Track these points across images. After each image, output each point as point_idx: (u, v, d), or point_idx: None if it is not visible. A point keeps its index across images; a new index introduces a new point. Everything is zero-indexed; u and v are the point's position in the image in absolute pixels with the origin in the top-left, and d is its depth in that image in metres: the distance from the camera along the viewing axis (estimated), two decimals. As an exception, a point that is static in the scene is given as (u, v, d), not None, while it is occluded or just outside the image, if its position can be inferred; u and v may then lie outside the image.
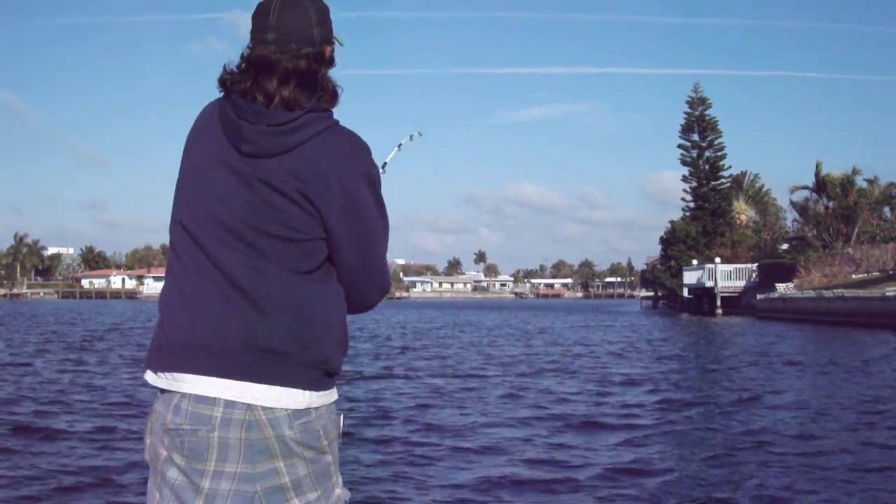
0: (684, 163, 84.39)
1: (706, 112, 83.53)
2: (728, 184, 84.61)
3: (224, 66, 2.71)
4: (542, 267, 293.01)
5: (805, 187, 71.48)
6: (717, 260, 69.22)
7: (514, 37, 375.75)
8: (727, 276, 68.36)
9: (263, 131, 2.58)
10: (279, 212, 2.58)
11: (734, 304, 66.08)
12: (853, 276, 57.32)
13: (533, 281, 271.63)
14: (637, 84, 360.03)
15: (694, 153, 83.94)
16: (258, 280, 2.58)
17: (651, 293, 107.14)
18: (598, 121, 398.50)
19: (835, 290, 53.12)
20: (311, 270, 2.66)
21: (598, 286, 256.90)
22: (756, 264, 68.47)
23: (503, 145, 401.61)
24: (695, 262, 74.10)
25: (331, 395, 2.72)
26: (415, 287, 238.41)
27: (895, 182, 74.44)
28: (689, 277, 73.24)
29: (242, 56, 2.68)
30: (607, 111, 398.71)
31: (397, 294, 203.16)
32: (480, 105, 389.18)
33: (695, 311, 70.21)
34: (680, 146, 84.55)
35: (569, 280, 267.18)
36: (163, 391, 2.63)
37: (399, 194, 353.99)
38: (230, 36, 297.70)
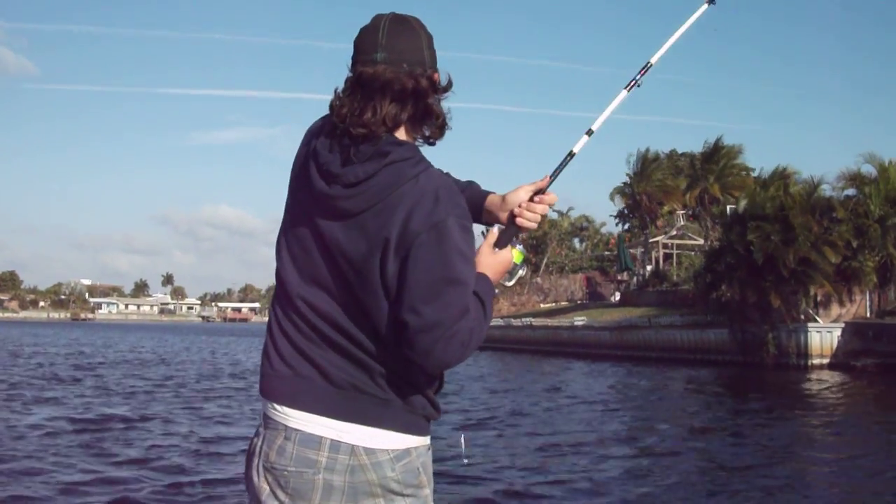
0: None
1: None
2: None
3: (335, 90, 2.56)
4: (229, 291, 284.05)
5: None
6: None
7: (209, 58, 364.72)
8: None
9: (336, 195, 2.50)
10: (349, 276, 2.52)
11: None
12: (542, 306, 56.84)
13: (220, 305, 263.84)
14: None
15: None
16: (359, 329, 2.54)
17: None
18: (292, 146, 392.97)
19: (523, 319, 52.79)
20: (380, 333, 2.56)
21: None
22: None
23: (200, 167, 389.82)
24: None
25: (427, 439, 2.69)
26: (101, 308, 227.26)
27: (586, 215, 75.40)
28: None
29: (347, 80, 2.54)
30: (300, 136, 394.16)
31: (82, 315, 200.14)
32: (174, 125, 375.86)
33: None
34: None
35: (257, 304, 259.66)
36: (266, 427, 2.62)
37: (87, 214, 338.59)
38: None
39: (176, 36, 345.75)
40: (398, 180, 2.45)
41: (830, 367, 33.72)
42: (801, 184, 39.76)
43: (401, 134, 2.54)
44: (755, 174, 53.31)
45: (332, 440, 2.49)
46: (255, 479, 2.59)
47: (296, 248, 2.61)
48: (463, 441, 2.84)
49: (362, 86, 2.47)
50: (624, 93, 3.16)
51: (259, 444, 2.62)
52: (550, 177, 2.92)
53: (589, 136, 3.05)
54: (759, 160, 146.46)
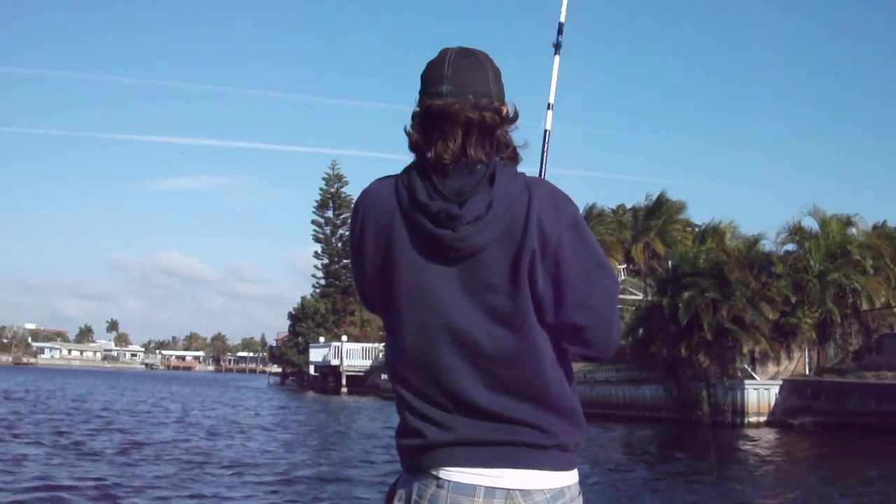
0: (317, 239, 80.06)
1: (342, 189, 79.89)
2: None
3: (404, 129, 2.49)
4: (174, 338, 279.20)
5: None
6: (344, 338, 65.53)
7: (162, 105, 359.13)
8: (354, 355, 64.79)
9: (464, 236, 2.34)
10: (502, 307, 2.35)
11: (360, 383, 62.76)
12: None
13: (164, 352, 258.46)
14: (281, 160, 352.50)
15: (327, 230, 79.73)
16: (496, 386, 2.37)
17: (280, 369, 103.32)
18: (245, 194, 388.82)
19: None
20: (546, 356, 2.40)
21: (230, 360, 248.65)
22: (383, 344, 64.28)
23: (153, 213, 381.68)
24: (322, 339, 69.60)
25: (576, 473, 2.50)
26: (43, 353, 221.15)
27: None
28: (316, 355, 68.98)
29: (414, 115, 2.46)
30: (253, 185, 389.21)
31: (24, 359, 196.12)
32: (127, 171, 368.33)
33: (321, 389, 66.63)
34: (314, 222, 79.89)
35: (201, 353, 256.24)
36: (412, 473, 2.44)
37: (37, 258, 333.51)
38: None
39: (128, 82, 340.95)
40: (514, 196, 2.36)
41: (768, 424, 32.62)
42: (739, 239, 39.09)
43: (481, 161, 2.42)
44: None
45: (486, 487, 2.34)
46: None
47: (414, 312, 2.40)
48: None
49: (431, 119, 2.41)
50: (556, 58, 3.62)
51: (407, 492, 2.43)
52: (541, 162, 3.06)
53: (550, 109, 3.49)
54: (708, 216, 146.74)
